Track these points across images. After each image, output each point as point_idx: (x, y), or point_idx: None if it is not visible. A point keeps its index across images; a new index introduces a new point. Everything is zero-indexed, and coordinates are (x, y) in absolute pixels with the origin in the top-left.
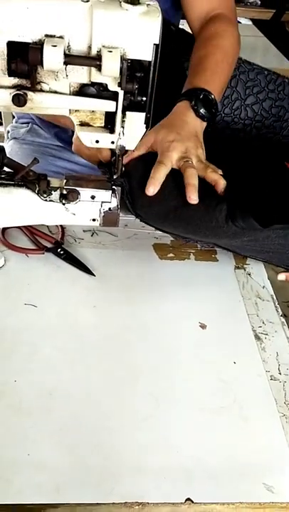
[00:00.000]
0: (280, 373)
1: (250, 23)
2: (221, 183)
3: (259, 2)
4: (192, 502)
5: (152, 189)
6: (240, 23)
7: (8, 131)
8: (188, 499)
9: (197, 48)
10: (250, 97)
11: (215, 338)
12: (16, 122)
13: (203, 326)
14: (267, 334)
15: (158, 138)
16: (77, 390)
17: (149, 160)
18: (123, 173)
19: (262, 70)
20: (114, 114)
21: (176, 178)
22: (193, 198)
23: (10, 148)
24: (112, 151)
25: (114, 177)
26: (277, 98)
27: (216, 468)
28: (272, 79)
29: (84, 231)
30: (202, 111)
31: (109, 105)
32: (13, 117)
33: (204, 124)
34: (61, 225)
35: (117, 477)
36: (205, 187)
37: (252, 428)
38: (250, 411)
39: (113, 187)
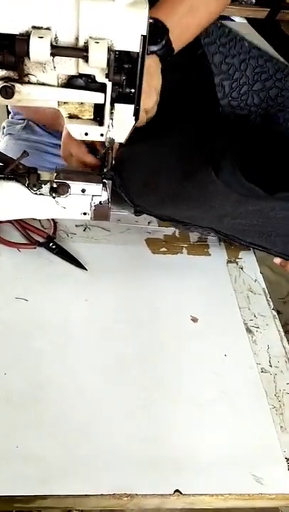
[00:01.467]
0: (270, 366)
1: (245, 21)
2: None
3: (254, 1)
4: (181, 493)
5: None
6: (234, 21)
7: (4, 127)
8: (176, 490)
9: None
10: (258, 83)
11: (206, 331)
12: (12, 118)
13: (194, 320)
14: (258, 327)
15: None
16: (67, 382)
17: (135, 152)
18: (112, 167)
19: (271, 58)
20: (103, 106)
21: (160, 164)
22: None
23: (5, 144)
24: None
25: (105, 170)
26: (284, 88)
27: (206, 459)
28: (280, 68)
29: (76, 226)
30: (155, 48)
31: (97, 97)
32: (9, 113)
33: (155, 57)
34: (53, 220)
35: (106, 469)
36: (192, 166)
37: (242, 420)
38: (241, 403)
39: (104, 180)
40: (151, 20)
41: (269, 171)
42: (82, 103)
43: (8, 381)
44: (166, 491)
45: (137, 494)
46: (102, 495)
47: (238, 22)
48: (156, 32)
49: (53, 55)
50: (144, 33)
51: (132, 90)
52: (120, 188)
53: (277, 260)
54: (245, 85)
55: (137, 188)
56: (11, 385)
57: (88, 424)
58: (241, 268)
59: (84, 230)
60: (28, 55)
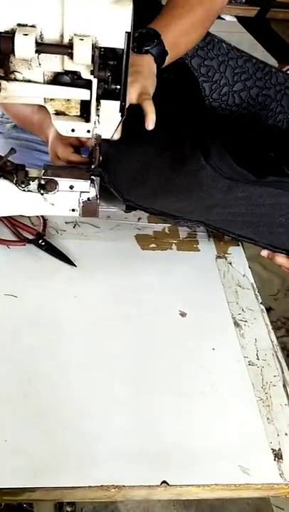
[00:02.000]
0: (257, 359)
1: (234, 20)
2: (151, 117)
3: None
4: (168, 484)
5: (152, 124)
6: (224, 19)
7: None
8: (163, 482)
9: None
10: (238, 84)
11: (194, 325)
12: (2, 117)
13: (183, 314)
14: (246, 321)
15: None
16: (56, 377)
17: (123, 148)
18: (100, 163)
19: (250, 58)
20: (89, 102)
21: (147, 156)
22: (150, 126)
23: None
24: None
25: (93, 167)
26: (264, 87)
27: (193, 451)
28: (259, 67)
29: (66, 223)
30: (140, 46)
31: (83, 94)
32: None
33: (149, 57)
34: (43, 217)
35: (94, 461)
36: (180, 155)
37: (229, 412)
38: (228, 395)
39: (92, 177)
40: (144, 31)
41: (254, 163)
42: (68, 100)
43: None
44: (154, 482)
45: (124, 486)
46: (89, 486)
47: (228, 20)
48: (149, 36)
49: (38, 52)
50: (129, 30)
51: (118, 87)
52: (110, 183)
53: (265, 253)
54: (225, 86)
55: (126, 182)
56: (0, 381)
57: (76, 417)
58: (230, 263)
59: (74, 227)
60: (13, 52)
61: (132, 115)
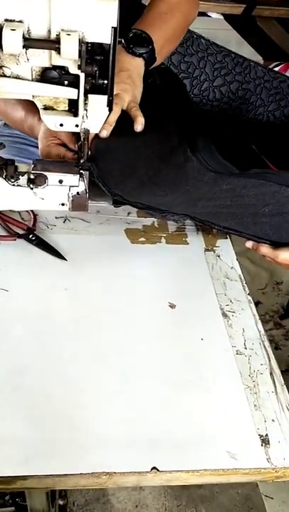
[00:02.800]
0: (245, 348)
1: (221, 17)
2: (140, 120)
3: None
4: (158, 470)
5: (105, 132)
6: (210, 17)
7: None
8: (154, 468)
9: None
10: (218, 79)
11: (183, 316)
12: None
13: (172, 306)
14: (234, 312)
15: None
16: (47, 368)
17: (112, 144)
18: (89, 158)
19: (229, 53)
20: (77, 96)
21: (136, 149)
22: (139, 128)
23: None
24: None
25: (81, 161)
26: (244, 81)
27: (182, 438)
28: (238, 62)
29: (56, 218)
30: (134, 49)
31: (70, 92)
32: None
33: (141, 61)
34: (33, 212)
35: (85, 449)
36: (168, 147)
37: (217, 399)
38: (216, 383)
39: (81, 171)
40: (136, 31)
41: (237, 157)
42: None
43: None
44: (144, 468)
45: (115, 472)
46: (81, 474)
47: (215, 18)
48: (143, 39)
49: (25, 47)
50: (115, 25)
51: (105, 82)
52: (98, 178)
53: (249, 244)
54: (205, 82)
55: (114, 175)
56: None
57: (67, 406)
58: (218, 256)
59: (64, 222)
60: (0, 47)
61: (123, 114)
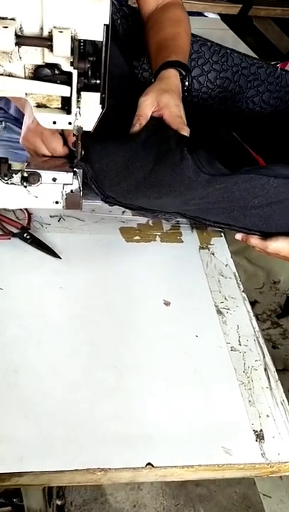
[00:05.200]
0: (240, 344)
1: (217, 17)
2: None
3: None
4: (153, 466)
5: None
6: (206, 17)
7: None
8: (148, 464)
9: (167, 24)
10: (196, 69)
11: (178, 313)
12: None
13: (167, 303)
14: (228, 309)
15: (162, 101)
16: (42, 366)
17: (108, 145)
18: (83, 157)
19: (205, 42)
20: (70, 94)
21: (133, 152)
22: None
23: None
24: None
25: (75, 161)
26: (221, 69)
27: (177, 433)
28: (215, 50)
29: (51, 216)
30: (186, 84)
31: (63, 90)
32: None
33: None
34: (27, 211)
35: (80, 446)
36: (165, 148)
37: (212, 395)
38: (211, 380)
39: (74, 169)
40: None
41: (218, 144)
42: None
43: None
44: (139, 464)
45: (110, 468)
46: (76, 470)
47: (211, 18)
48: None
49: (18, 44)
50: (107, 23)
51: (97, 81)
52: (92, 180)
53: (239, 236)
54: None
55: (110, 177)
56: None
57: (62, 404)
58: (213, 254)
59: (58, 221)
60: None
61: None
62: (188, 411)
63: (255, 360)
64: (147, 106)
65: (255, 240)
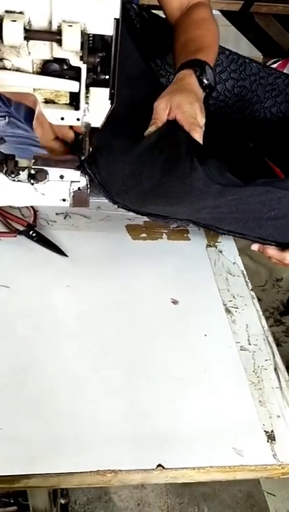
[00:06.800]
0: (249, 344)
1: (219, 13)
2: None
3: None
4: (163, 468)
5: (198, 135)
6: None
7: None
8: (159, 465)
9: (189, 26)
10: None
11: (186, 312)
12: None
13: (175, 302)
14: (237, 308)
15: (174, 102)
16: (50, 366)
17: (116, 151)
18: (90, 156)
19: (223, 50)
20: (78, 89)
21: (141, 160)
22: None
23: None
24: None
25: (82, 158)
26: (239, 78)
27: (187, 434)
28: (233, 59)
29: (57, 214)
30: (206, 81)
31: (72, 85)
32: None
33: (203, 94)
34: (33, 208)
35: (90, 447)
36: (174, 158)
37: (222, 396)
38: (221, 380)
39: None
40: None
41: (234, 155)
42: None
43: None
44: (150, 466)
45: (120, 470)
46: (86, 472)
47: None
48: (208, 75)
49: (26, 38)
50: (118, 17)
51: (106, 77)
52: (100, 185)
53: (255, 246)
54: None
55: (117, 185)
56: None
57: (71, 404)
58: (220, 252)
59: (64, 218)
60: (1, 38)
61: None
62: (199, 411)
63: (265, 360)
64: (162, 109)
65: (272, 251)
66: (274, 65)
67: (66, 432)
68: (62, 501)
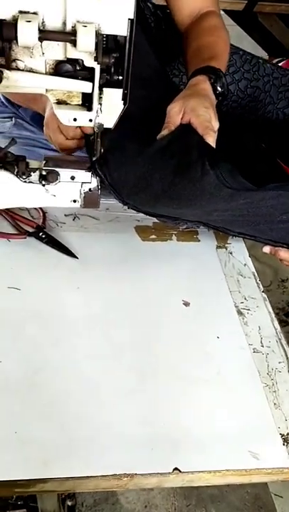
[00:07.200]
0: (262, 346)
1: (222, 13)
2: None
3: None
4: (180, 471)
5: (211, 139)
6: None
7: None
8: (175, 469)
9: (201, 33)
10: (227, 77)
11: (198, 314)
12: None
13: (186, 304)
14: (249, 309)
15: (188, 106)
16: (63, 367)
17: (127, 153)
18: (101, 156)
19: (237, 50)
20: (92, 90)
21: (152, 162)
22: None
23: None
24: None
25: (94, 159)
26: (253, 78)
27: (203, 438)
28: (247, 59)
29: (66, 215)
30: (219, 89)
31: (85, 86)
32: None
33: (216, 101)
34: (42, 210)
35: (105, 450)
36: (186, 161)
37: (236, 398)
38: (234, 382)
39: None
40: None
41: (247, 157)
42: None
43: (4, 369)
44: (165, 469)
45: (136, 474)
46: (102, 476)
47: None
48: (222, 83)
49: (40, 39)
50: (132, 17)
51: (120, 77)
52: (110, 186)
53: (267, 249)
54: None
55: (128, 187)
56: (7, 373)
57: (85, 406)
58: (230, 253)
59: (73, 220)
60: (16, 39)
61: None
62: (213, 414)
63: (279, 362)
64: (175, 113)
65: (284, 254)
66: (279, 65)
67: (79, 435)
68: (70, 503)
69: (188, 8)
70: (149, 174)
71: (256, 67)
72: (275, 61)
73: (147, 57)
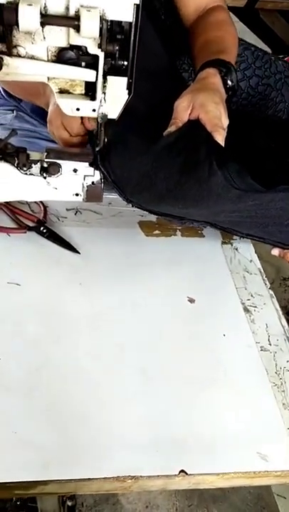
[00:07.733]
0: (270, 344)
1: None
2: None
3: None
4: (186, 474)
5: (220, 138)
6: None
7: None
8: (182, 471)
9: (208, 28)
10: (237, 73)
11: (204, 311)
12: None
13: (191, 301)
14: (256, 307)
15: (197, 101)
16: (64, 365)
17: (132, 150)
18: (104, 149)
19: (249, 46)
20: (95, 79)
21: (158, 159)
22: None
23: None
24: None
25: (97, 149)
26: (264, 76)
27: (209, 439)
28: (258, 55)
29: (67, 210)
30: (230, 82)
31: (88, 74)
32: None
33: (225, 96)
34: (43, 204)
35: (109, 452)
36: (193, 160)
37: (244, 398)
38: (242, 381)
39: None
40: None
41: (256, 156)
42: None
43: (3, 366)
44: (171, 471)
45: (141, 476)
46: (105, 478)
47: None
48: (232, 76)
49: (42, 24)
50: (137, 2)
51: (125, 63)
52: (113, 183)
53: (276, 251)
54: None
55: (130, 187)
56: (7, 370)
57: (87, 407)
58: (236, 249)
59: (75, 214)
60: (16, 23)
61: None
62: (220, 414)
63: (287, 361)
64: (183, 109)
65: None
66: None
67: (81, 436)
68: (70, 503)
69: (195, 2)
70: (153, 172)
71: (268, 64)
72: None
73: (154, 48)
